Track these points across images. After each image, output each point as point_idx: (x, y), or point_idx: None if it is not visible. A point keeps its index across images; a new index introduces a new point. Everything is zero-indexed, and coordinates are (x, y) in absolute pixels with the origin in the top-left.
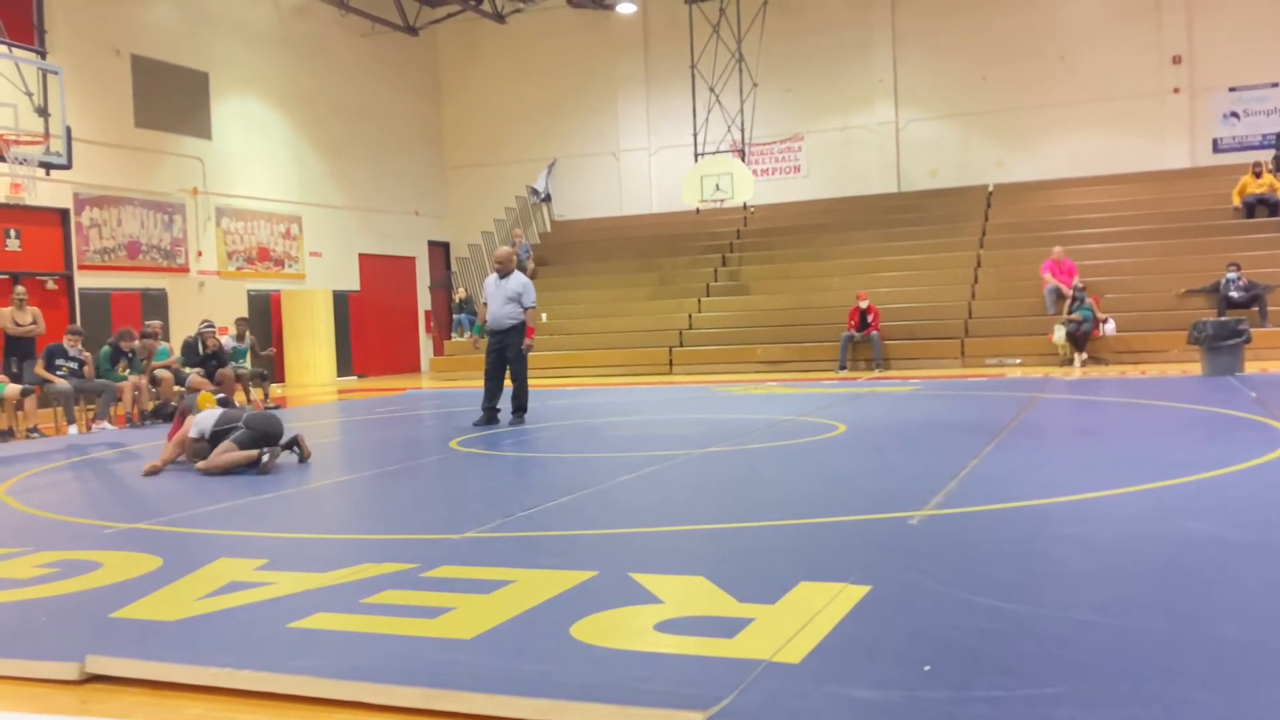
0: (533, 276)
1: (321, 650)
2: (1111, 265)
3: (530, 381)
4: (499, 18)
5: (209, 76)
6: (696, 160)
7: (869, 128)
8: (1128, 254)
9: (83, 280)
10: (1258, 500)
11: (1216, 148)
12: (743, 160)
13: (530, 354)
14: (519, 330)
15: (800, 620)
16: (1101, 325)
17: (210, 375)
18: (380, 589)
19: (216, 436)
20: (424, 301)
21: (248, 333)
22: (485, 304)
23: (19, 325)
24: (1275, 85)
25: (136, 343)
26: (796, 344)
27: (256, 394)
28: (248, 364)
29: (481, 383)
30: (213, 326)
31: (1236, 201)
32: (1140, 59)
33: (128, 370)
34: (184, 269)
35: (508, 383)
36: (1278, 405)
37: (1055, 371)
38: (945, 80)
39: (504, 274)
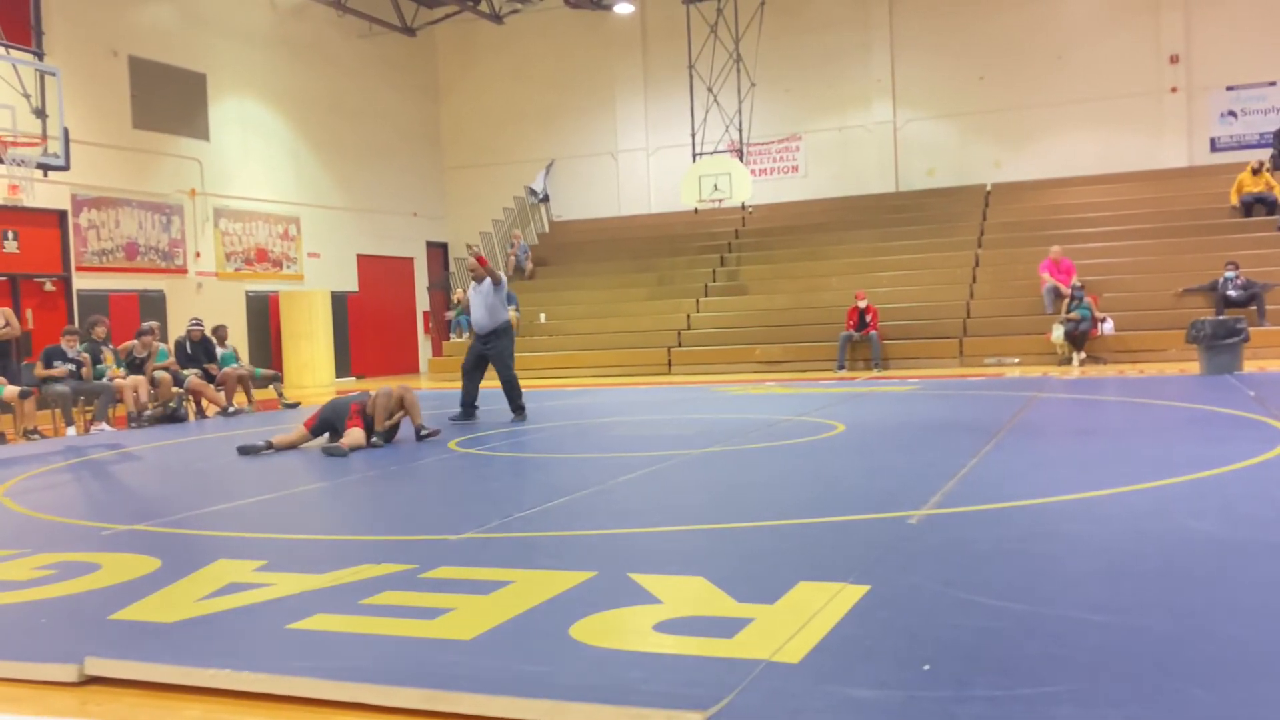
0: (530, 277)
1: (320, 651)
2: (1109, 264)
3: (529, 382)
4: (496, 18)
5: (206, 77)
6: (694, 160)
7: (867, 127)
8: (1126, 253)
9: (81, 282)
10: (1257, 499)
11: (1214, 147)
12: (741, 160)
13: (535, 354)
14: (502, 333)
15: (799, 620)
16: (1100, 324)
17: (201, 367)
18: (379, 590)
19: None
20: (422, 302)
21: (227, 339)
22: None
23: None
24: (1273, 84)
25: (103, 329)
26: (795, 344)
27: (262, 395)
28: (246, 366)
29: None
30: (200, 323)
31: (1234, 200)
32: (1138, 58)
33: (116, 364)
34: (182, 270)
35: (490, 384)
36: (1276, 404)
37: (1054, 371)
38: (943, 80)
39: (479, 280)
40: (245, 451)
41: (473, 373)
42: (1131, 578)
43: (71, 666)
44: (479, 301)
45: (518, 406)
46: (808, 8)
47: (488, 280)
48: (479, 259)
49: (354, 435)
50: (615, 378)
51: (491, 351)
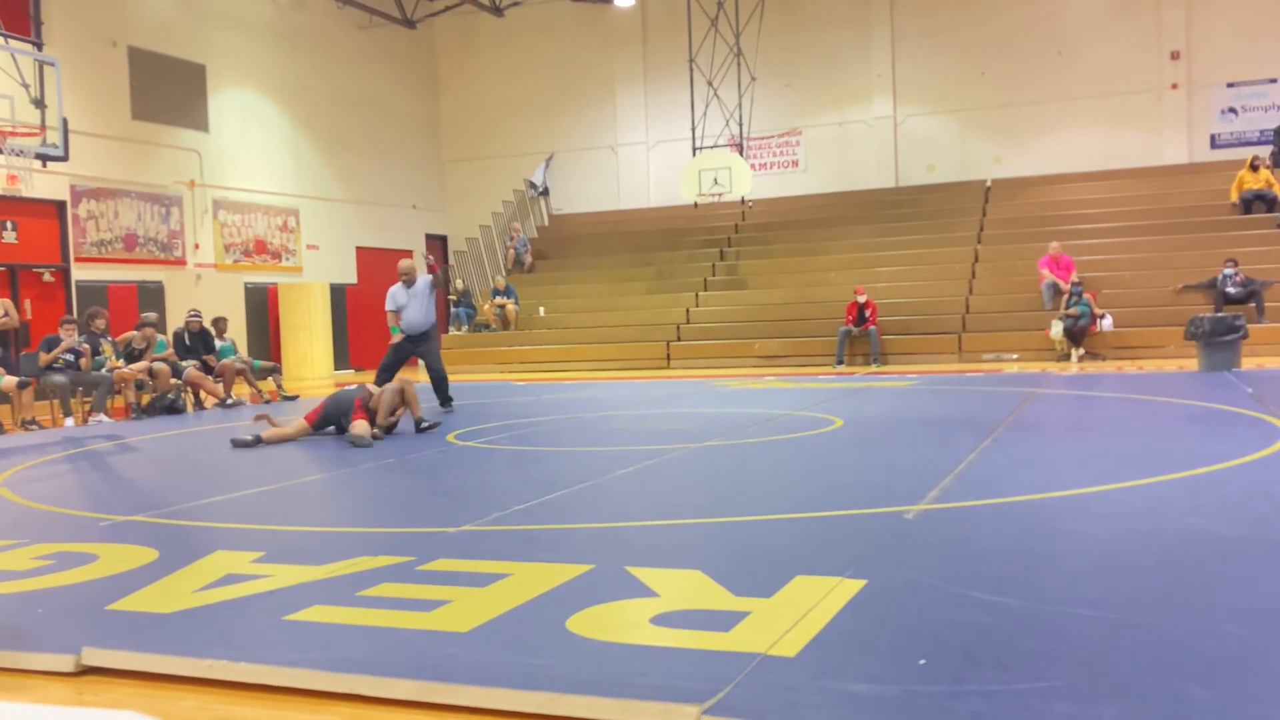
0: (530, 270)
1: (317, 643)
2: (1109, 261)
3: (529, 375)
4: (497, 11)
5: (206, 68)
6: (694, 154)
7: (867, 123)
8: (1125, 249)
9: (79, 272)
10: (1254, 496)
11: (1214, 143)
12: (741, 154)
13: (534, 347)
14: (432, 333)
15: (796, 614)
16: (1099, 321)
17: (200, 359)
18: (377, 582)
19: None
20: None
21: (225, 331)
22: (396, 311)
23: None
24: (1273, 81)
25: (102, 322)
26: (794, 339)
27: (266, 386)
28: (245, 358)
29: (469, 378)
30: (198, 315)
31: (1234, 197)
32: (1139, 54)
33: (115, 356)
34: (181, 261)
35: (489, 378)
36: (1274, 401)
37: (1052, 367)
38: (943, 75)
39: (410, 283)
40: (237, 444)
41: (392, 370)
42: (1129, 574)
43: (69, 656)
44: (416, 304)
45: (446, 399)
46: (809, 3)
47: (421, 282)
48: (432, 267)
49: (361, 427)
50: (614, 371)
51: (422, 350)
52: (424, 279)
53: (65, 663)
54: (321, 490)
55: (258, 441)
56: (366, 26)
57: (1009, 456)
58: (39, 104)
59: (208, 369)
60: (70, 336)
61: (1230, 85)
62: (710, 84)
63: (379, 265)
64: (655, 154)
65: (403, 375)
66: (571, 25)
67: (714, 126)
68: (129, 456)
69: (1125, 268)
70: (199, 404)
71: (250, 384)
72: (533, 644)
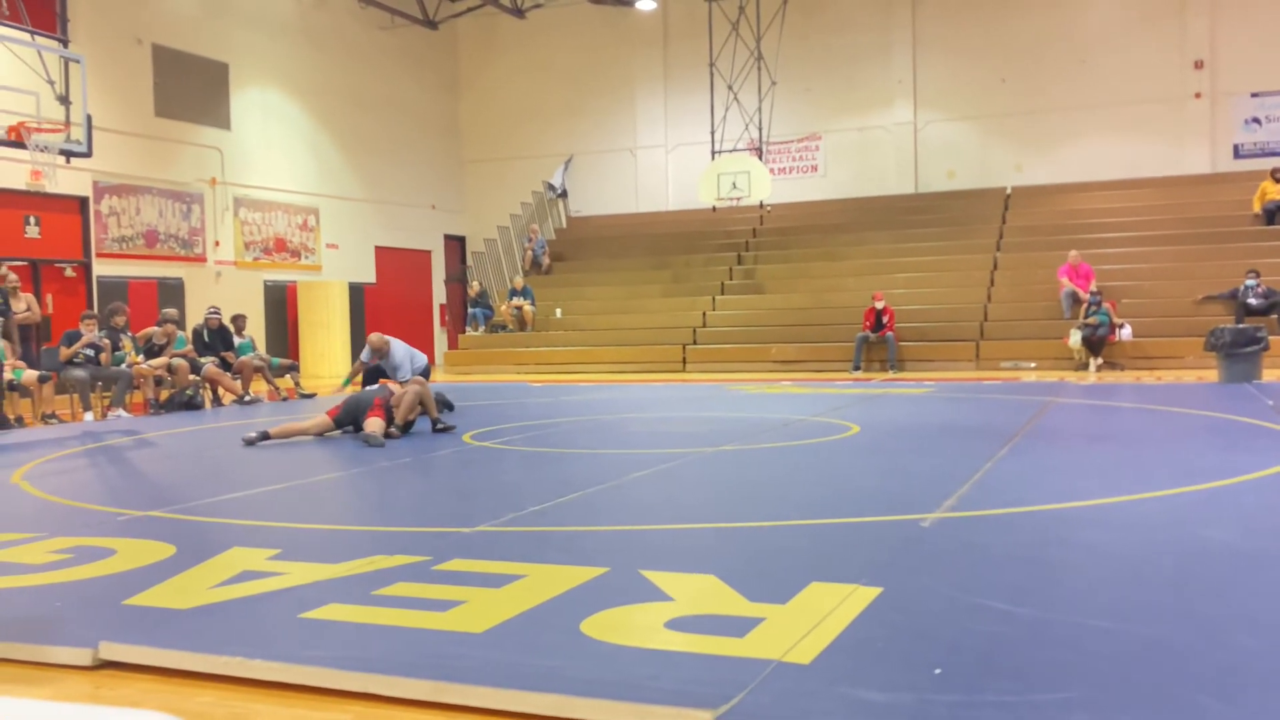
0: (547, 272)
1: (332, 641)
2: (1129, 270)
3: (545, 376)
4: (518, 12)
5: (229, 67)
6: (714, 158)
7: (887, 128)
8: (1145, 259)
9: (100, 268)
10: (1273, 508)
11: (1238, 153)
12: (760, 159)
13: (551, 349)
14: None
15: (811, 621)
16: (1118, 330)
17: (218, 356)
18: (392, 581)
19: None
20: (439, 295)
21: (244, 328)
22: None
23: (14, 314)
24: None
25: (122, 318)
26: (811, 344)
27: (284, 383)
28: (264, 355)
29: (486, 378)
30: (217, 312)
31: (1257, 208)
32: (1162, 63)
33: (135, 352)
34: (201, 259)
35: (497, 378)
36: None
37: (1070, 376)
38: (964, 82)
39: (380, 355)
40: (247, 442)
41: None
42: (1146, 585)
43: (85, 650)
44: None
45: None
46: (830, 7)
47: (394, 355)
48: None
49: (374, 425)
50: (630, 374)
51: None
52: (398, 357)
53: (82, 656)
54: (337, 488)
55: (264, 437)
56: (388, 27)
57: (1026, 465)
58: (64, 100)
59: (226, 366)
60: (91, 332)
61: (1254, 95)
62: (730, 88)
63: (398, 265)
64: (674, 157)
65: (417, 377)
66: (592, 28)
67: (733, 130)
68: (147, 452)
69: (1145, 277)
70: (217, 400)
71: (268, 381)
72: (546, 646)
